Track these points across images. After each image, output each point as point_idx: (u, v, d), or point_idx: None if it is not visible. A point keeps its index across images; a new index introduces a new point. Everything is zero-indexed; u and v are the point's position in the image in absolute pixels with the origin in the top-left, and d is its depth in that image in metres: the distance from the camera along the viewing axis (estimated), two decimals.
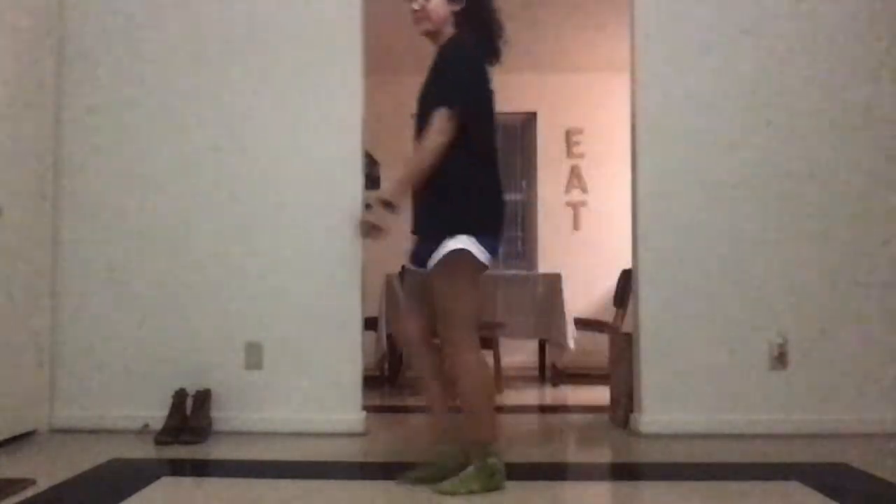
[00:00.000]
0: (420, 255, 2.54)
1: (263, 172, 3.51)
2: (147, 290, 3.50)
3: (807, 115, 3.49)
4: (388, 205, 2.44)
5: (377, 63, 5.83)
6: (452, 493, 2.36)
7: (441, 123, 2.40)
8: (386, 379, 5.42)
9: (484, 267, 2.47)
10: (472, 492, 2.37)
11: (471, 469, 2.42)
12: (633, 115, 3.58)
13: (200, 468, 2.87)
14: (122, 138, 3.54)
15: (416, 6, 2.54)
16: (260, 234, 3.50)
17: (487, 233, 2.46)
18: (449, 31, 2.55)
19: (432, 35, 2.58)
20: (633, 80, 3.58)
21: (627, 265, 3.92)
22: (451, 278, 2.43)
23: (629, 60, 3.63)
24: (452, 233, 2.41)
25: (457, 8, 2.53)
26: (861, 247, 3.45)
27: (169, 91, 3.54)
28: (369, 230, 2.50)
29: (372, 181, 6.45)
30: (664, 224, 3.48)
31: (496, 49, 2.60)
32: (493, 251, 2.49)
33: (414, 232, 2.60)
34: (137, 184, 3.53)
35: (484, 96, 2.51)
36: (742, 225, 3.47)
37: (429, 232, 2.51)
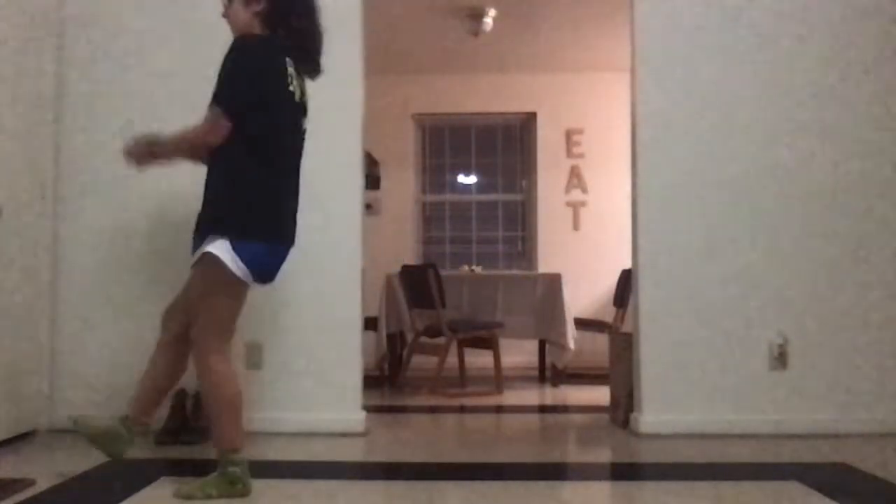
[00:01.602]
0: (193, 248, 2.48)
1: None
2: (147, 290, 3.50)
3: (808, 116, 3.49)
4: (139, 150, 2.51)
5: (377, 63, 5.83)
6: (189, 497, 2.34)
7: (207, 119, 2.38)
8: (386, 379, 5.42)
9: (239, 279, 2.37)
10: (209, 496, 2.33)
11: (213, 475, 2.39)
12: (633, 115, 3.58)
13: (200, 468, 2.86)
14: (122, 139, 3.53)
15: (221, 11, 2.54)
16: None
17: (251, 241, 2.37)
18: (251, 26, 2.48)
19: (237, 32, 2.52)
20: (633, 80, 3.58)
21: (627, 265, 3.92)
22: (203, 281, 2.41)
23: (629, 60, 3.63)
24: (212, 232, 2.36)
25: (257, 9, 2.46)
26: (861, 247, 3.45)
27: (169, 91, 3.54)
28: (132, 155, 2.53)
29: (372, 181, 6.47)
30: (664, 224, 3.48)
31: (306, 54, 2.53)
32: (260, 264, 2.40)
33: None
34: (137, 184, 3.52)
35: (264, 98, 2.40)
36: (742, 225, 3.47)
37: (197, 226, 2.44)
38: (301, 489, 2.51)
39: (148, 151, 2.51)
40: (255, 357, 3.45)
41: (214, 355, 2.40)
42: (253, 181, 2.40)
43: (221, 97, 2.37)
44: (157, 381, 2.56)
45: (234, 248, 2.34)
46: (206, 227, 2.39)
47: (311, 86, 3.52)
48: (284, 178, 2.49)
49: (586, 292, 6.19)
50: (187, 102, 3.54)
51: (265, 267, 2.45)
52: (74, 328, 3.50)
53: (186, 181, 3.52)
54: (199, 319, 2.41)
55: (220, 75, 2.40)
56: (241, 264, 2.35)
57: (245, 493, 2.37)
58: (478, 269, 5.72)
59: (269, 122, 2.42)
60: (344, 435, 3.38)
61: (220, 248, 2.34)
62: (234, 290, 2.42)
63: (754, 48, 3.50)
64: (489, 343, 5.02)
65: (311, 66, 2.57)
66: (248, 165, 2.39)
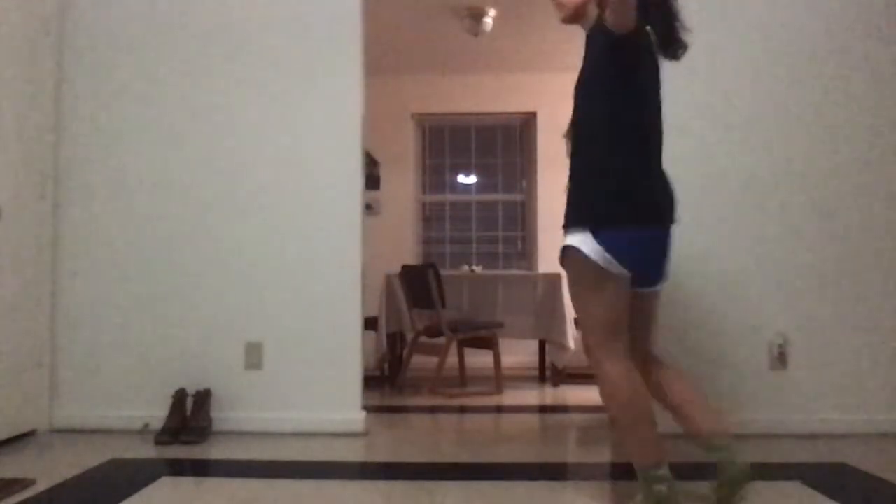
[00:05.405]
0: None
1: (263, 173, 3.52)
2: (147, 291, 3.50)
3: (809, 114, 3.49)
4: None
5: (377, 63, 5.83)
6: None
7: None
8: (386, 379, 5.42)
9: (602, 269, 2.11)
10: None
11: (639, 497, 2.10)
12: None
13: (200, 468, 2.87)
14: (123, 139, 3.54)
15: None
16: (260, 234, 3.50)
17: (609, 228, 2.12)
18: (593, 14, 2.28)
19: (575, 21, 2.36)
20: None
21: None
22: (572, 278, 2.22)
23: None
24: (573, 224, 2.20)
25: None
26: (861, 247, 3.45)
27: (169, 91, 3.55)
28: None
29: (372, 181, 6.47)
30: None
31: (667, 32, 2.28)
32: (620, 250, 2.11)
33: None
34: (137, 184, 3.53)
35: (633, 72, 2.16)
36: (742, 225, 3.47)
37: (565, 220, 2.28)
38: (301, 489, 2.51)
39: None
40: (254, 357, 3.46)
41: (606, 361, 2.14)
42: (614, 162, 2.14)
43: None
44: (667, 398, 2.26)
45: (596, 237, 2.12)
46: (568, 220, 2.25)
47: (310, 86, 3.54)
48: (642, 157, 2.18)
49: None
50: (187, 104, 3.55)
51: (633, 253, 2.13)
52: (74, 328, 3.50)
53: (186, 182, 3.53)
54: (585, 323, 2.19)
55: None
56: (602, 252, 2.10)
57: None
58: (478, 269, 5.72)
59: (635, 103, 2.17)
60: (344, 435, 3.38)
61: (578, 239, 2.16)
62: (601, 283, 2.13)
63: (755, 47, 3.51)
64: (489, 343, 5.02)
65: (672, 43, 2.31)
66: (605, 151, 2.15)
